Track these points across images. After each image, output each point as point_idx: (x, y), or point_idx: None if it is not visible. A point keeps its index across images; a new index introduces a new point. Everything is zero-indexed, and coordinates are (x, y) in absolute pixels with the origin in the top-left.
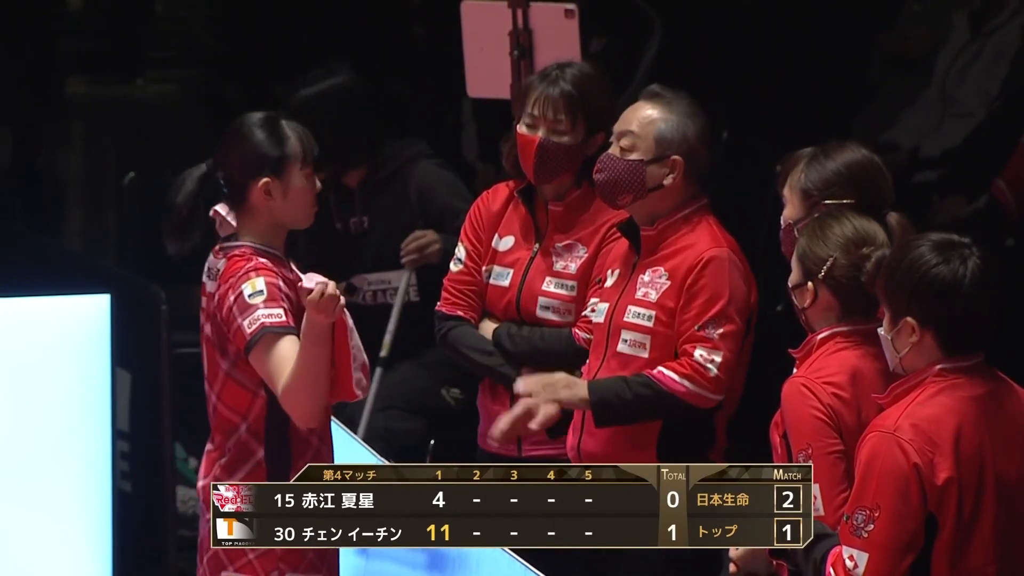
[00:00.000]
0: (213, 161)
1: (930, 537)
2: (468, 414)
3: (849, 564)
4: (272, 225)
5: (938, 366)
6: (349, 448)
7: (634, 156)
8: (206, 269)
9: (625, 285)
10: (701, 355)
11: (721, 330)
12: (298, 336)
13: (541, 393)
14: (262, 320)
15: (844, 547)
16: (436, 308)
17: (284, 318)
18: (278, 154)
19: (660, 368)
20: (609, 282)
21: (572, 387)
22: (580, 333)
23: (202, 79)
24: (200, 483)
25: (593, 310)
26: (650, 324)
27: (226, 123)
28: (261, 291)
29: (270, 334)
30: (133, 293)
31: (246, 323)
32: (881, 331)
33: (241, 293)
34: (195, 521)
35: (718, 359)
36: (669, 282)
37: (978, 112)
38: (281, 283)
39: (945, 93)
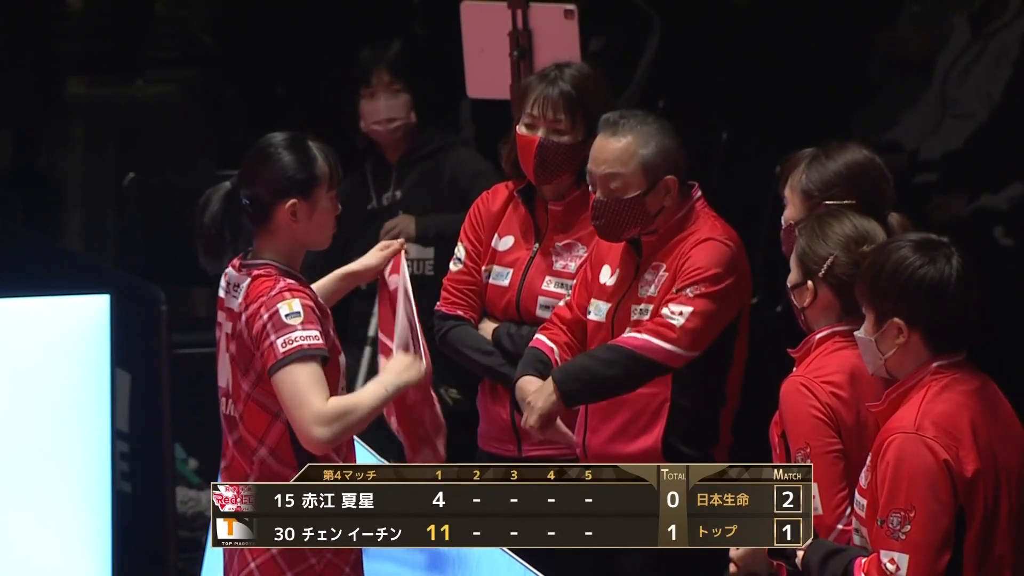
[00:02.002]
0: (238, 179)
1: (959, 532)
2: (466, 415)
3: (890, 568)
4: (293, 245)
5: (935, 364)
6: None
7: (629, 195)
8: (225, 284)
9: (628, 287)
10: (668, 311)
11: (698, 291)
12: (325, 361)
13: (526, 417)
14: (299, 342)
15: (882, 551)
16: (436, 308)
17: (320, 340)
18: (307, 176)
19: (623, 335)
20: (607, 281)
21: (536, 392)
22: None
23: (202, 80)
24: None
25: (590, 310)
26: (647, 318)
27: (226, 123)
28: (298, 312)
29: (307, 356)
30: (133, 293)
31: (280, 341)
32: (859, 334)
33: (277, 312)
34: (195, 522)
35: (686, 312)
36: (667, 273)
37: (979, 114)
38: (314, 306)
39: (945, 94)
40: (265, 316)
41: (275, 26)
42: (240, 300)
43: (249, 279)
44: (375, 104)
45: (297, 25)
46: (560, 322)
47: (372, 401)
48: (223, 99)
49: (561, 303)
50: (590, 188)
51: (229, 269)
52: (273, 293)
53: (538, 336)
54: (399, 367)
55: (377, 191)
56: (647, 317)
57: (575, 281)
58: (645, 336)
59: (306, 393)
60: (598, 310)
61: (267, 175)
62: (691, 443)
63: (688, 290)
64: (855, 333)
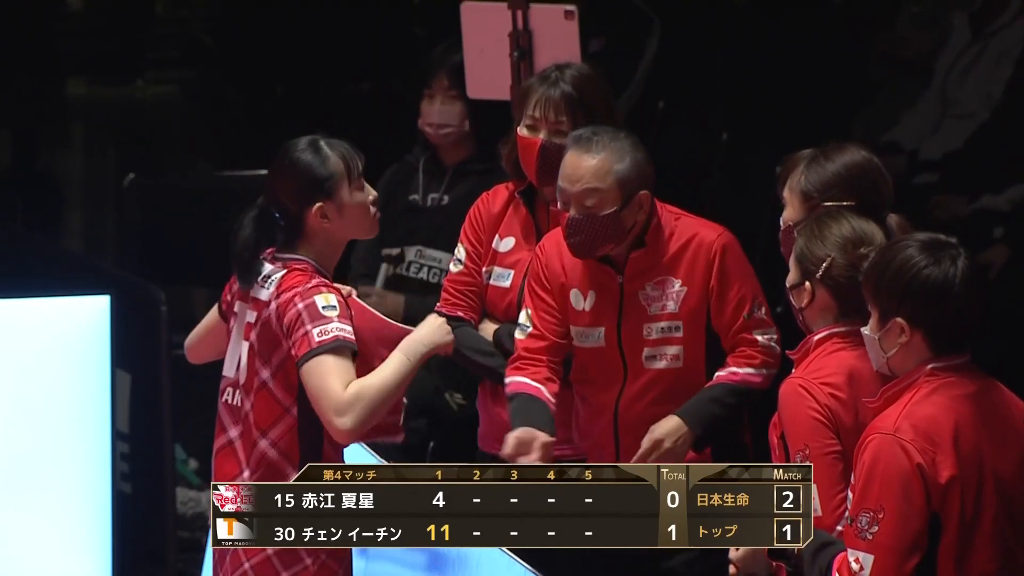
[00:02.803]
0: (264, 198)
1: (934, 537)
2: (469, 420)
3: (855, 567)
4: (329, 247)
5: (930, 366)
6: (349, 448)
7: (605, 212)
8: (259, 277)
9: (619, 306)
10: (766, 338)
11: (764, 308)
12: (355, 356)
13: (654, 457)
14: (335, 332)
15: (849, 550)
16: (435, 309)
17: (353, 337)
18: (324, 176)
19: (733, 370)
20: (584, 304)
21: (676, 439)
22: None
23: (202, 80)
24: None
25: (574, 335)
26: (680, 334)
27: (226, 124)
28: (334, 306)
29: (340, 347)
30: (133, 294)
31: (316, 331)
32: (865, 331)
33: (314, 303)
34: (195, 522)
35: (775, 335)
36: (687, 287)
37: (979, 114)
38: (347, 304)
39: (945, 95)
40: (300, 305)
41: (275, 26)
42: (272, 290)
43: (284, 271)
44: (432, 107)
45: (297, 25)
46: (530, 354)
47: (391, 374)
48: (223, 99)
49: (517, 334)
50: (560, 206)
51: (263, 262)
52: (309, 285)
53: (516, 379)
54: (420, 334)
55: (425, 189)
56: (680, 334)
57: (527, 308)
58: (764, 371)
59: (328, 383)
60: (591, 338)
61: (287, 186)
62: (730, 433)
63: (756, 309)
64: (862, 330)
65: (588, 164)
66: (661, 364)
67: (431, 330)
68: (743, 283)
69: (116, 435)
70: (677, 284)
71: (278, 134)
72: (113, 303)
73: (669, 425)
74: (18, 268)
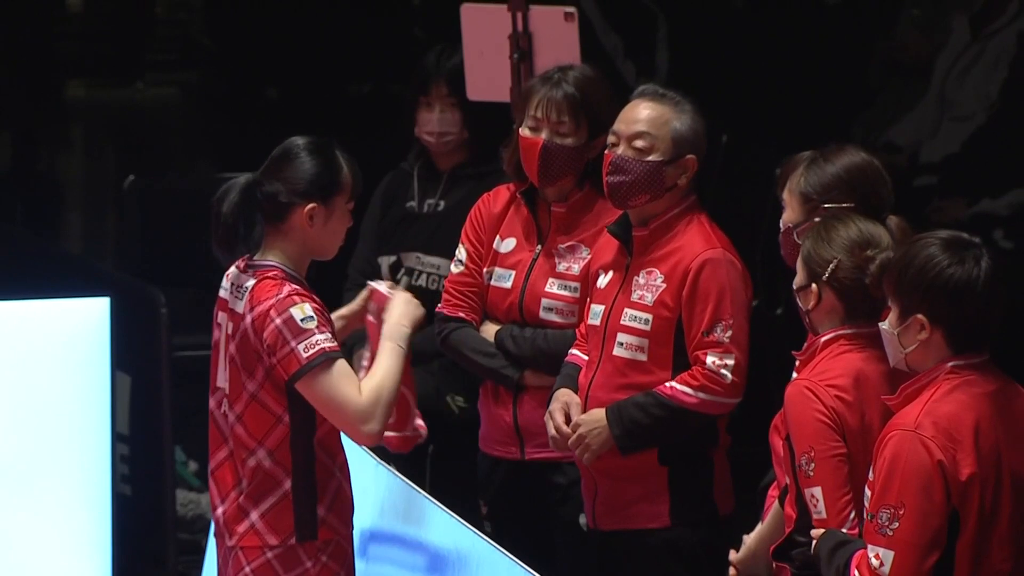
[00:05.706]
0: (260, 176)
1: (952, 535)
2: (470, 422)
3: (875, 563)
4: (303, 251)
5: (950, 363)
6: (350, 451)
7: (652, 157)
8: (229, 285)
9: (620, 287)
10: (713, 362)
11: (730, 332)
12: (348, 362)
13: (575, 450)
14: (321, 345)
15: (869, 546)
16: (437, 310)
17: (335, 343)
18: (331, 182)
19: (672, 384)
20: (602, 283)
21: (592, 429)
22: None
23: (202, 82)
24: (219, 510)
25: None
26: (647, 328)
27: (226, 125)
28: (312, 316)
29: (330, 359)
30: (133, 296)
31: (301, 347)
32: (884, 326)
33: (291, 317)
34: (194, 524)
35: (731, 362)
36: (665, 284)
37: (978, 116)
38: (322, 310)
39: (944, 97)
40: (279, 321)
41: (275, 29)
42: (244, 302)
43: (254, 281)
44: (431, 115)
45: (297, 27)
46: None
47: (392, 365)
48: (222, 101)
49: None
50: (609, 149)
51: (232, 269)
52: (282, 296)
53: (573, 351)
54: (397, 317)
55: (421, 195)
56: (647, 327)
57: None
58: (700, 395)
59: (342, 394)
60: (594, 314)
61: (291, 175)
62: (690, 447)
63: (719, 331)
64: (880, 325)
65: (646, 112)
66: (625, 353)
67: (403, 308)
68: (712, 303)
69: (116, 437)
70: (660, 279)
71: (278, 136)
72: (113, 305)
73: (592, 416)
74: (18, 270)
